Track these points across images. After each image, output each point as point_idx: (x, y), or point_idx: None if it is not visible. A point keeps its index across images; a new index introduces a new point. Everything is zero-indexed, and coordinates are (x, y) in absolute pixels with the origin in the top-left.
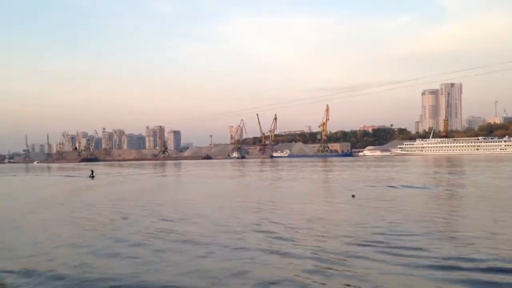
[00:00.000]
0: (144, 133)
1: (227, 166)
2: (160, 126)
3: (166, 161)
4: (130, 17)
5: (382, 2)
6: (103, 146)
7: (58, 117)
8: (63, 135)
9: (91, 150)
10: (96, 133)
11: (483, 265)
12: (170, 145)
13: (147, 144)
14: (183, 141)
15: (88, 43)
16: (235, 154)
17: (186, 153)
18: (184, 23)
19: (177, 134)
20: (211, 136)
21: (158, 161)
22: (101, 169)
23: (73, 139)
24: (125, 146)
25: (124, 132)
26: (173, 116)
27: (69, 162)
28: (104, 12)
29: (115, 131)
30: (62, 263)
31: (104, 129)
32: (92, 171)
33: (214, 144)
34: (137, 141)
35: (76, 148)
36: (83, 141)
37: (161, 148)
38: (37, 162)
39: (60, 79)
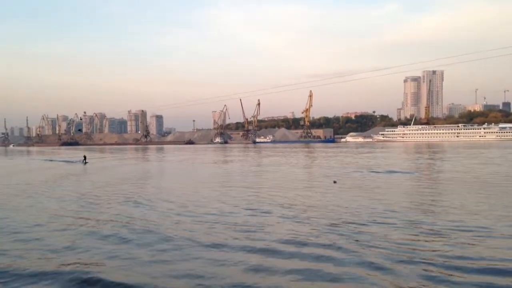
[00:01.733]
0: (126, 117)
1: (209, 152)
2: (142, 110)
3: (148, 146)
4: (116, 2)
5: None
6: (84, 130)
7: (38, 100)
8: (43, 118)
9: (72, 134)
10: (77, 116)
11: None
12: (152, 130)
13: (128, 129)
14: (166, 125)
15: (73, 26)
16: (218, 139)
17: (169, 138)
18: (171, 8)
19: (159, 118)
20: (194, 121)
21: (140, 146)
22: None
23: (53, 122)
24: (106, 130)
25: (105, 116)
26: (156, 101)
27: (49, 146)
28: None
29: (96, 115)
30: None
31: (85, 112)
32: (85, 157)
33: (197, 129)
34: (119, 125)
35: (69, 132)
36: (63, 125)
37: (143, 132)
38: (13, 146)
39: (41, 62)
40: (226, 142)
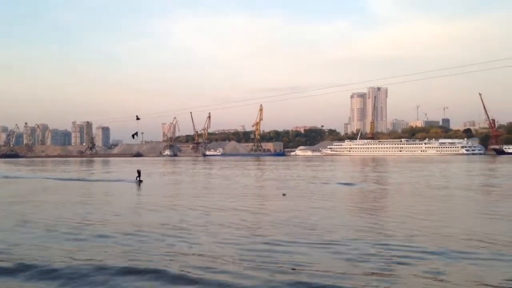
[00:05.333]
0: (70, 129)
1: (157, 165)
2: (88, 122)
3: (94, 158)
4: (63, 9)
5: (320, 7)
6: (25, 141)
7: None
8: None
9: (11, 146)
10: (17, 127)
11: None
12: (98, 142)
13: (73, 140)
14: (113, 137)
15: (16, 32)
16: (167, 152)
17: (116, 150)
18: (120, 17)
19: (106, 130)
20: (142, 133)
21: (84, 158)
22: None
23: None
24: (49, 142)
25: (48, 127)
26: (102, 112)
27: None
28: (35, 1)
29: (38, 126)
30: None
31: (26, 123)
32: (139, 173)
33: (145, 141)
34: (62, 137)
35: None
36: (3, 136)
37: (88, 144)
38: None
39: None
40: (175, 155)
